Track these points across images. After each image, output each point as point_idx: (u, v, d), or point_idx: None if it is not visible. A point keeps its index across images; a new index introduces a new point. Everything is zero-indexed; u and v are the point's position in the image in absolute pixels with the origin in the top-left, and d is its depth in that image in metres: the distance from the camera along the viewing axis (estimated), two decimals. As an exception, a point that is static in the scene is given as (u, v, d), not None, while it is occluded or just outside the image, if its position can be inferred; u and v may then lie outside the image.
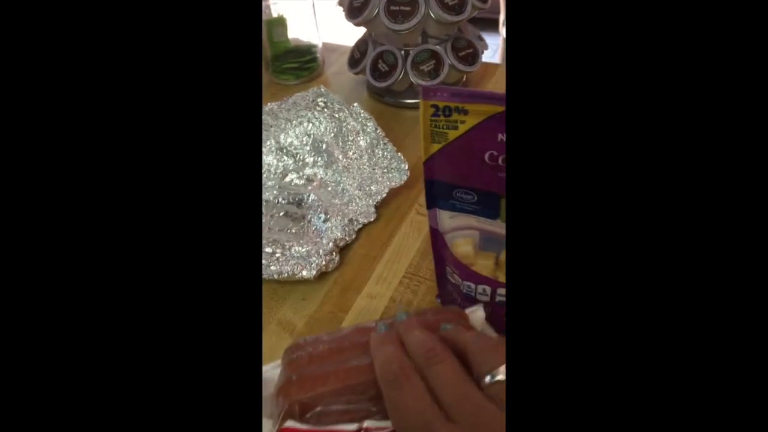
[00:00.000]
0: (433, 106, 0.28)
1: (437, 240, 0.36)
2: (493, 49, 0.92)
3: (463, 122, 0.28)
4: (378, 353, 0.25)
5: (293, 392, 0.27)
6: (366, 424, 0.25)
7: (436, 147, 0.31)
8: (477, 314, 0.33)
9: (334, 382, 0.27)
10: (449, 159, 0.31)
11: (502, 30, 1.82)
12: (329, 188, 0.50)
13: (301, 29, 0.69)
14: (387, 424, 0.24)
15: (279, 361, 0.31)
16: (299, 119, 0.51)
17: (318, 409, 0.26)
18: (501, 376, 0.21)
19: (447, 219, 0.35)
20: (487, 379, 0.22)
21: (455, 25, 0.58)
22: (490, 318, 0.33)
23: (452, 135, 0.29)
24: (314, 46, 0.70)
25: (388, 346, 0.25)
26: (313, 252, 0.42)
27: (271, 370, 0.30)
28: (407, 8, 0.54)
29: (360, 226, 0.46)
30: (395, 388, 0.22)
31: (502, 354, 0.22)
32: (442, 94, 0.28)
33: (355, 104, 0.50)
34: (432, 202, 0.34)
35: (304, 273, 0.40)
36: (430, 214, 0.35)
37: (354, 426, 0.25)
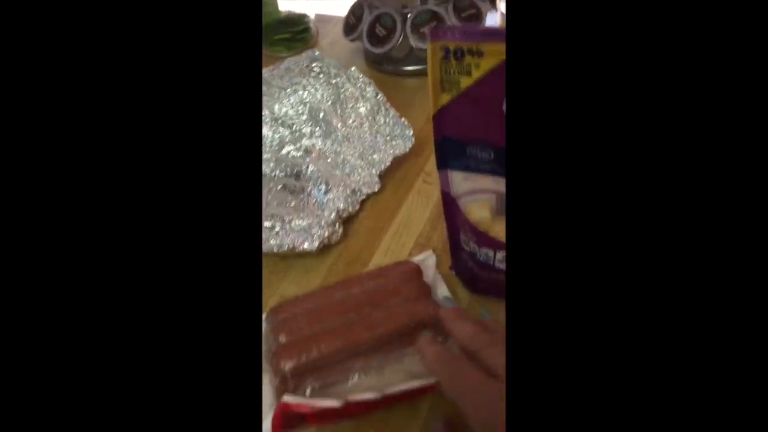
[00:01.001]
0: (442, 48, 0.25)
1: (450, 205, 0.33)
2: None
3: (477, 66, 0.25)
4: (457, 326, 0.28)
5: (287, 357, 0.29)
6: (349, 397, 0.27)
7: (446, 98, 0.28)
8: (428, 261, 0.37)
9: (323, 346, 0.29)
10: (462, 111, 0.28)
11: (501, 5, 1.77)
12: (329, 159, 0.47)
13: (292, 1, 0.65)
14: (369, 395, 0.28)
15: (263, 316, 0.33)
16: (294, 87, 0.48)
17: (312, 376, 0.29)
18: None
19: (460, 181, 0.32)
20: None
21: (456, -17, 0.54)
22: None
23: (465, 82, 0.26)
24: (306, 15, 0.66)
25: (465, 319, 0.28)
26: (314, 224, 0.39)
27: None
28: (405, -36, 0.50)
29: (363, 196, 0.43)
30: (452, 375, 0.25)
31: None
32: (453, 35, 0.25)
33: (353, 68, 0.47)
34: (443, 163, 0.31)
35: (306, 245, 0.37)
36: (441, 177, 0.32)
37: (338, 402, 0.27)
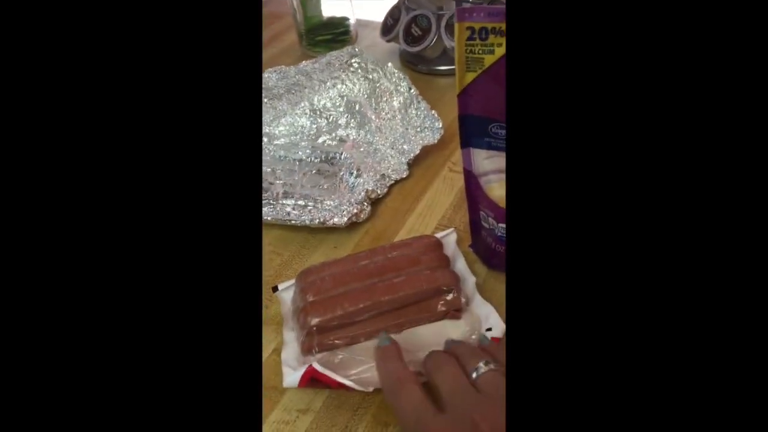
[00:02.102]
0: (468, 28, 0.28)
1: (471, 183, 0.35)
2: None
3: (500, 45, 0.28)
4: (381, 367, 0.28)
5: (313, 313, 0.32)
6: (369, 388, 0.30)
7: (471, 76, 0.30)
8: (450, 238, 0.38)
9: (347, 305, 0.32)
10: (484, 89, 0.30)
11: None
12: (362, 149, 0.49)
13: (335, 6, 0.70)
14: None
15: (292, 281, 0.36)
16: (333, 81, 0.51)
17: (336, 333, 0.32)
18: (481, 369, 0.26)
19: (482, 160, 0.34)
20: (474, 375, 0.26)
21: (491, -12, 0.57)
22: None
23: (488, 60, 0.28)
24: (347, 18, 0.70)
25: (389, 360, 0.28)
26: (344, 202, 0.42)
27: (285, 290, 0.36)
28: (442, -31, 0.53)
29: (392, 181, 0.45)
30: (394, 394, 0.26)
31: (481, 354, 0.27)
32: (479, 15, 0.27)
33: (389, 64, 0.50)
34: (466, 141, 0.33)
35: (336, 220, 0.40)
36: (464, 155, 0.34)
37: (360, 387, 0.29)
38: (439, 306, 0.32)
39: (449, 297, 0.33)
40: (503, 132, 0.31)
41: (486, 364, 0.26)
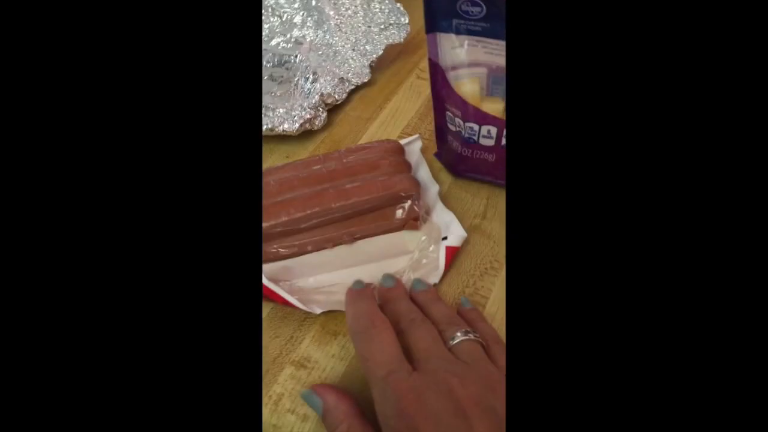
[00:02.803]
0: None
1: (437, 77, 0.31)
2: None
3: None
4: (351, 307, 0.25)
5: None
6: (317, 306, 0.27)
7: (437, -65, 0.25)
8: (414, 145, 0.34)
9: (293, 210, 0.28)
10: (453, -47, 0.25)
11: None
12: (320, 52, 0.44)
13: None
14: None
15: None
16: (286, -29, 0.45)
17: (280, 241, 0.28)
18: (459, 338, 0.24)
19: (450, 49, 0.29)
20: (451, 342, 0.24)
21: None
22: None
23: None
24: None
25: (361, 301, 0.25)
26: (296, 107, 0.37)
27: None
28: None
29: (352, 86, 0.40)
30: (365, 340, 0.23)
31: (459, 321, 0.25)
32: None
33: (350, -50, 0.44)
34: (432, 24, 0.29)
35: (286, 125, 0.35)
36: (430, 41, 0.30)
37: (306, 306, 0.27)
38: (396, 214, 0.29)
39: (407, 205, 0.29)
40: (476, 10, 0.27)
41: (465, 333, 0.24)
